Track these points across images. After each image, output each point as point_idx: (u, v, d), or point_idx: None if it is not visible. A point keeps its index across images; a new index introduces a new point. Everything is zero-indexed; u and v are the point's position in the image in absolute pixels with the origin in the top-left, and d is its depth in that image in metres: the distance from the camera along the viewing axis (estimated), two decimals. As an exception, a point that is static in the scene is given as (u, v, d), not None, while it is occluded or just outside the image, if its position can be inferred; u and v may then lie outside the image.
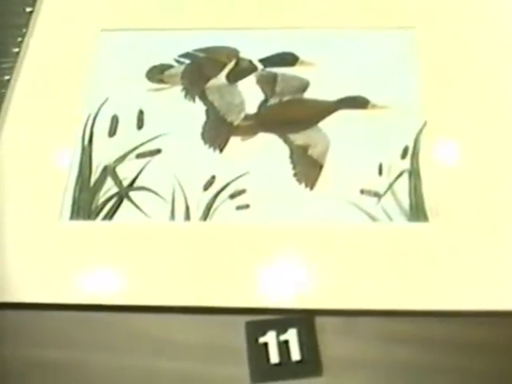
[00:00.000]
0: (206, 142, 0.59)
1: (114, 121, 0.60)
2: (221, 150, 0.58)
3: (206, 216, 0.55)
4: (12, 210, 0.56)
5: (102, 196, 0.56)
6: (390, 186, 0.55)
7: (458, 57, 0.62)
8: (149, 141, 0.59)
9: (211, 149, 0.58)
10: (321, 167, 0.57)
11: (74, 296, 0.52)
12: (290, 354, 0.48)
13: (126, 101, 0.61)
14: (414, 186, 0.55)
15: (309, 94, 0.61)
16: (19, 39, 0.66)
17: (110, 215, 0.55)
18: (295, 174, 0.56)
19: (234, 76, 0.63)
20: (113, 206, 0.56)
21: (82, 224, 0.55)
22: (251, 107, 0.60)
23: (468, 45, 0.63)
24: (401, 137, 0.58)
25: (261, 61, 0.63)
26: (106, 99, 0.62)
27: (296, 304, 0.50)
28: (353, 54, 0.63)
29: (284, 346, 0.49)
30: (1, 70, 0.64)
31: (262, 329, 0.49)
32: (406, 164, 0.56)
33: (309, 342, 0.49)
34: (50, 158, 0.59)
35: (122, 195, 0.56)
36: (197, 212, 0.55)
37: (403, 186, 0.55)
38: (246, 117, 0.60)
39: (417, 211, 0.54)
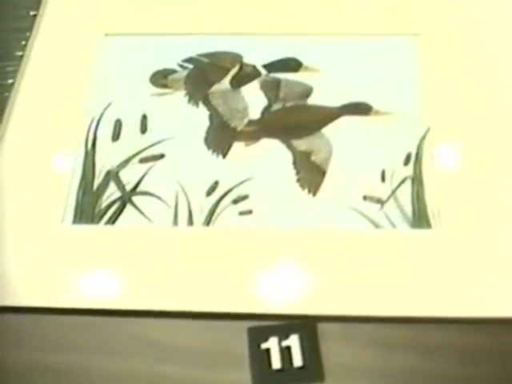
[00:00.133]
0: (209, 147, 0.59)
1: (118, 125, 0.60)
2: (224, 156, 0.58)
3: (208, 221, 0.55)
4: (15, 213, 0.56)
5: (105, 200, 0.56)
6: (393, 192, 0.55)
7: (461, 64, 0.62)
8: (152, 145, 0.59)
9: (214, 154, 0.58)
10: (324, 173, 0.57)
11: (77, 300, 0.52)
12: (292, 360, 0.48)
13: (129, 105, 0.62)
14: (416, 192, 0.55)
15: (312, 100, 0.61)
16: (23, 43, 0.66)
17: (112, 220, 0.55)
18: (298, 180, 0.57)
19: (238, 81, 0.63)
20: (116, 210, 0.56)
21: (85, 228, 0.55)
22: (255, 113, 0.61)
23: (471, 51, 0.63)
24: (404, 143, 0.58)
25: (264, 66, 0.63)
26: (110, 103, 0.62)
27: (298, 310, 0.50)
28: (356, 60, 0.63)
29: (286, 352, 0.49)
30: (4, 74, 0.64)
31: (264, 335, 0.49)
32: (409, 170, 0.56)
33: (311, 348, 0.49)
34: (53, 161, 0.59)
35: (125, 200, 0.56)
36: (200, 217, 0.55)
37: (406, 192, 0.55)
38: (250, 122, 0.60)
39: (419, 218, 0.54)
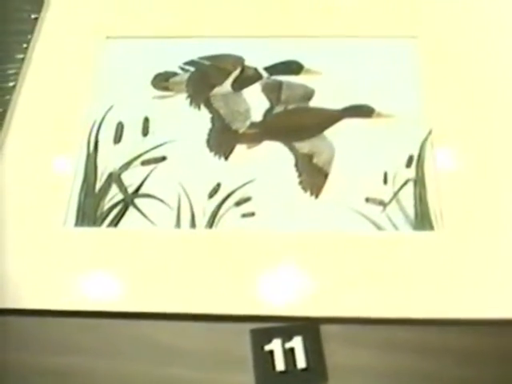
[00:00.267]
0: (211, 150, 0.59)
1: (119, 128, 0.61)
2: (226, 158, 0.58)
3: (211, 224, 0.55)
4: (17, 216, 0.56)
5: (107, 203, 0.56)
6: (395, 194, 0.56)
7: (461, 65, 0.62)
8: (154, 148, 0.59)
9: (216, 156, 0.58)
10: (326, 175, 0.57)
11: (79, 303, 0.51)
12: (296, 362, 0.48)
13: (131, 108, 0.62)
14: (419, 194, 0.55)
15: (314, 103, 0.61)
16: (24, 45, 0.66)
17: (115, 222, 0.55)
18: (300, 182, 0.57)
19: (239, 84, 0.63)
20: (118, 212, 0.56)
21: (87, 231, 0.55)
22: (256, 115, 0.61)
23: (470, 53, 0.63)
24: (406, 145, 0.58)
25: (266, 69, 0.63)
26: (112, 106, 0.62)
27: (301, 312, 0.50)
28: (358, 62, 0.63)
29: (289, 354, 0.49)
30: (6, 76, 0.64)
31: (268, 336, 0.49)
32: (411, 173, 0.56)
33: (314, 349, 0.49)
34: (54, 164, 0.59)
35: (128, 202, 0.56)
36: (202, 219, 0.55)
37: (408, 194, 0.55)
38: (252, 125, 0.60)
39: (422, 220, 0.54)
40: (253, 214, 0.55)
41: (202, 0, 0.68)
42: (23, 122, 0.61)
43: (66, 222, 0.56)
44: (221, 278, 0.52)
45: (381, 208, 0.55)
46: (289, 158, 0.58)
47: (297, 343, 0.49)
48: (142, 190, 0.57)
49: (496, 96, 0.60)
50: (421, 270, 0.52)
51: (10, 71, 0.64)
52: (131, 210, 0.56)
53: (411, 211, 0.55)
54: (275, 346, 0.49)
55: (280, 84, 0.62)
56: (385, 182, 0.56)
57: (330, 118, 0.60)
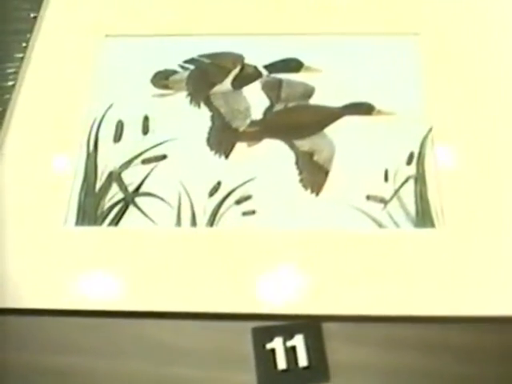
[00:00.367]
0: (211, 148, 0.59)
1: (119, 126, 0.60)
2: (226, 156, 0.58)
3: (212, 222, 0.55)
4: (17, 215, 0.56)
5: (108, 202, 0.56)
6: (396, 192, 0.56)
7: (463, 63, 0.62)
8: (154, 146, 0.59)
9: (217, 155, 0.58)
10: (326, 173, 0.57)
11: (80, 302, 0.51)
12: (297, 360, 0.48)
13: (131, 106, 0.61)
14: (419, 191, 0.55)
15: (314, 100, 0.61)
16: (24, 44, 0.66)
17: (115, 221, 0.55)
18: (301, 180, 0.57)
19: (239, 82, 0.63)
20: (118, 211, 0.56)
21: (88, 230, 0.55)
22: (256, 113, 0.60)
23: (472, 50, 0.63)
24: (406, 143, 0.58)
25: (266, 67, 0.63)
26: (111, 105, 0.62)
27: (302, 310, 0.50)
28: (358, 60, 0.63)
29: (291, 352, 0.49)
30: (5, 76, 0.64)
31: (269, 335, 0.49)
32: (412, 170, 0.56)
33: (316, 347, 0.49)
34: (54, 163, 0.58)
35: (128, 201, 0.56)
36: (203, 218, 0.55)
37: (409, 192, 0.55)
38: (252, 123, 0.60)
39: (423, 217, 0.54)
40: (253, 212, 0.55)
41: (202, -2, 0.68)
42: (23, 121, 0.61)
43: (66, 221, 0.56)
44: (222, 277, 0.52)
45: (382, 205, 0.55)
46: (289, 156, 0.58)
47: (298, 341, 0.49)
48: (143, 189, 0.57)
49: (497, 93, 0.60)
50: (422, 267, 0.52)
51: (10, 70, 0.64)
52: (132, 209, 0.56)
53: (412, 208, 0.55)
54: (277, 344, 0.49)
55: (280, 82, 0.62)
56: (385, 179, 0.56)
57: (331, 115, 0.60)
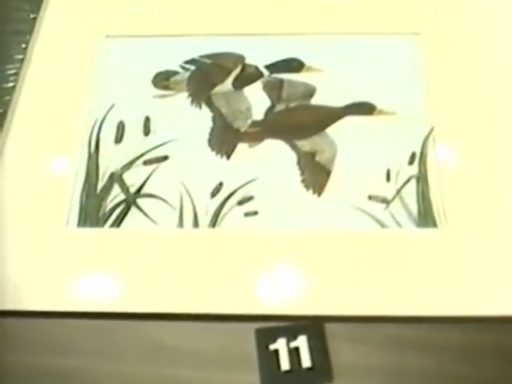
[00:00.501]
0: (213, 149, 0.58)
1: (121, 127, 0.60)
2: (228, 157, 0.58)
3: (214, 223, 0.55)
4: (19, 217, 0.56)
5: (110, 203, 0.56)
6: (398, 191, 0.55)
7: (464, 62, 0.62)
8: (156, 147, 0.59)
9: (218, 155, 0.58)
10: (328, 173, 0.57)
11: (82, 303, 0.51)
12: (301, 361, 0.48)
13: (132, 107, 0.61)
14: (421, 191, 0.55)
15: (315, 100, 0.61)
16: (23, 46, 0.65)
17: (117, 222, 0.55)
18: (303, 181, 0.56)
19: (240, 82, 0.63)
20: (120, 212, 0.56)
21: (90, 231, 0.55)
22: (258, 113, 0.60)
23: (473, 50, 0.63)
24: (408, 142, 0.58)
25: (267, 67, 0.63)
26: (112, 105, 0.61)
27: (305, 311, 0.50)
28: (359, 60, 0.63)
29: (294, 353, 0.49)
30: (5, 77, 0.64)
31: (272, 336, 0.49)
32: (414, 170, 0.56)
33: (319, 348, 0.49)
34: (56, 164, 0.58)
35: (130, 202, 0.56)
36: (205, 219, 0.55)
37: (411, 191, 0.55)
38: (253, 123, 0.60)
39: (425, 217, 0.54)
40: (256, 213, 0.55)
41: (202, -2, 0.68)
42: (24, 122, 0.61)
43: (68, 222, 0.55)
44: (225, 278, 0.52)
45: (384, 205, 0.55)
46: (291, 157, 0.58)
47: (302, 342, 0.49)
48: (144, 190, 0.57)
49: (498, 93, 0.60)
50: (424, 267, 0.52)
51: (10, 71, 0.64)
52: (133, 210, 0.56)
53: (414, 208, 0.55)
54: (280, 345, 0.49)
55: (281, 82, 0.62)
56: (387, 179, 0.56)
57: (332, 115, 0.60)
